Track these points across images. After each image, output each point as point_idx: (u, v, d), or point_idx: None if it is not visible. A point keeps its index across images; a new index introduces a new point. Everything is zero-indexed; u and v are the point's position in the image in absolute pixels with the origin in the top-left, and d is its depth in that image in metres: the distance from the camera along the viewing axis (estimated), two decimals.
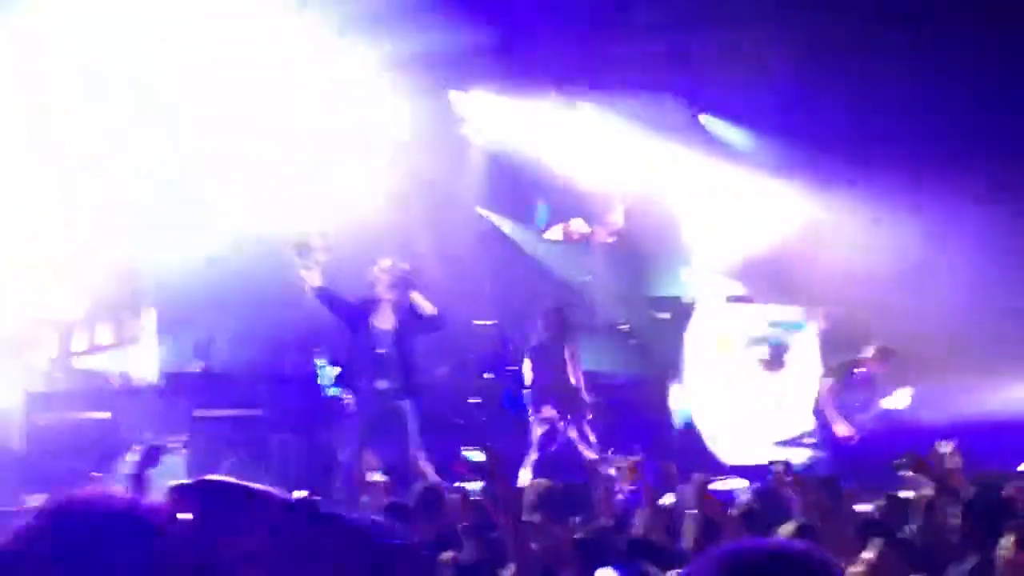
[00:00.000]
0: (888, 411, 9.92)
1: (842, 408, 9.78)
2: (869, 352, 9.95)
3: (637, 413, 11.42)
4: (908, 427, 9.49)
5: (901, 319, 10.62)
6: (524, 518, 5.21)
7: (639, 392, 11.90)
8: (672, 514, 5.76)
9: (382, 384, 7.85)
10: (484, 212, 13.42)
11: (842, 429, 9.70)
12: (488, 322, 12.22)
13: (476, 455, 4.66)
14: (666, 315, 12.16)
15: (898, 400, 9.92)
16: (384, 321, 7.91)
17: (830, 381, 10.03)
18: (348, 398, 8.44)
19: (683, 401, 11.57)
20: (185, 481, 1.95)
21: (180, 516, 1.82)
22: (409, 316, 7.98)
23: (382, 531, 2.01)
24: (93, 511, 1.82)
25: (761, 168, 12.68)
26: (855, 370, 9.94)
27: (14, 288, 11.28)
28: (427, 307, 7.98)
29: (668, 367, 11.81)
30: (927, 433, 7.20)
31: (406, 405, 7.95)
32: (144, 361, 11.34)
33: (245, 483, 2.04)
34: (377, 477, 6.22)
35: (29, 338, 11.27)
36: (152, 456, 4.80)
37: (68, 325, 11.46)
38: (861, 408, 9.85)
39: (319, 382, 10.15)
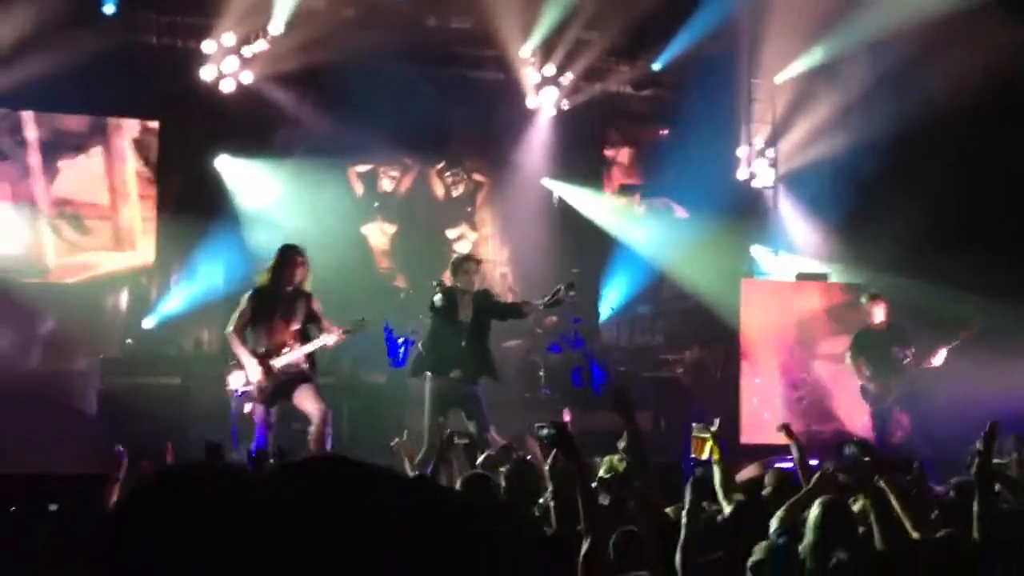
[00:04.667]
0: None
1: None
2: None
3: (701, 391, 11.32)
4: None
5: None
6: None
7: (704, 370, 11.79)
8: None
9: (455, 372, 8.01)
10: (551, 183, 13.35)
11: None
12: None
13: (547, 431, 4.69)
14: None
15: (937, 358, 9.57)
16: (465, 314, 8.07)
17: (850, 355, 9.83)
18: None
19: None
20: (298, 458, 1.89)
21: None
22: (488, 309, 8.28)
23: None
24: (206, 479, 1.76)
25: None
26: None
27: (91, 252, 11.47)
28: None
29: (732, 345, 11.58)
30: None
31: (477, 389, 8.08)
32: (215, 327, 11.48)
33: (359, 461, 1.97)
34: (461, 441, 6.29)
35: (105, 303, 11.47)
36: (216, 453, 4.88)
37: (142, 290, 11.60)
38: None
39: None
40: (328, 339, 7.87)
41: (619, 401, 4.89)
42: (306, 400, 7.84)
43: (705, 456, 5.39)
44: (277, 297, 7.88)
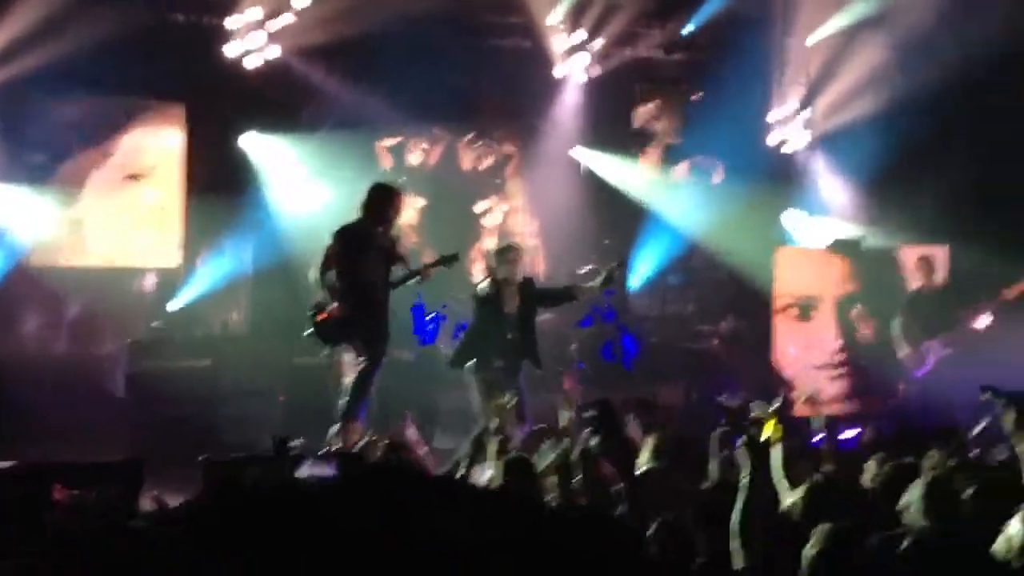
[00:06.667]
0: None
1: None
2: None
3: (735, 363, 11.17)
4: None
5: None
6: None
7: (739, 341, 11.62)
8: None
9: (499, 363, 8.01)
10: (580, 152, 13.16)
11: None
12: (588, 268, 12.00)
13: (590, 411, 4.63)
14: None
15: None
16: (511, 305, 7.95)
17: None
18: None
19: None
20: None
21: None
22: (534, 297, 8.16)
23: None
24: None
25: None
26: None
27: (117, 236, 11.53)
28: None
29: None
30: None
31: (521, 380, 8.08)
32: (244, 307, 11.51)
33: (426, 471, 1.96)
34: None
35: (132, 285, 11.54)
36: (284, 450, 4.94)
37: (169, 272, 11.63)
38: None
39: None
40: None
41: (604, 420, 4.61)
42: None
43: (764, 437, 4.91)
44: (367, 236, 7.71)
